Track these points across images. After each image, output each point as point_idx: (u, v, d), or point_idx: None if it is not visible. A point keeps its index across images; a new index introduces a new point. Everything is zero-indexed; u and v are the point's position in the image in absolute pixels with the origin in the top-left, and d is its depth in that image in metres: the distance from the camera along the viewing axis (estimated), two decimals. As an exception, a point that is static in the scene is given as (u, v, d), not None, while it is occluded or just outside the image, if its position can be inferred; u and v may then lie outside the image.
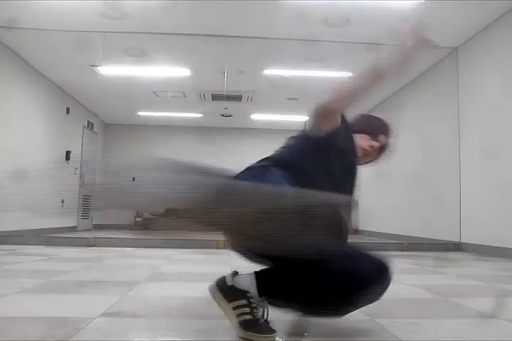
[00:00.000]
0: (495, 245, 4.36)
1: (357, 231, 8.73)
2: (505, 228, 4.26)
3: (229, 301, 1.35)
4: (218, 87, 6.75)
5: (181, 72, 6.39)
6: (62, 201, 7.40)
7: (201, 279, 2.54)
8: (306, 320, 1.50)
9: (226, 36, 5.10)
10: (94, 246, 4.69)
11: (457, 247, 4.97)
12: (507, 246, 4.17)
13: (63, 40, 5.29)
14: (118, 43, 5.41)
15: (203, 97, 7.61)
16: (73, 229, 7.72)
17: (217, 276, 1.41)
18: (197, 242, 4.94)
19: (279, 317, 1.60)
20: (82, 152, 8.07)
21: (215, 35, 5.06)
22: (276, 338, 1.29)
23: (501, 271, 3.31)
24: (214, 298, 1.40)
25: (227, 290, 1.37)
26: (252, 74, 6.44)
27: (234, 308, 1.34)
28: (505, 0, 4.21)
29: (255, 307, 1.33)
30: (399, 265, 3.57)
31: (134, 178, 1.42)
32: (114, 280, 2.38)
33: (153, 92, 7.34)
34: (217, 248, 4.71)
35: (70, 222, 7.69)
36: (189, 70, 6.33)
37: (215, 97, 7.54)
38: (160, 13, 4.59)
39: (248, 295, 1.34)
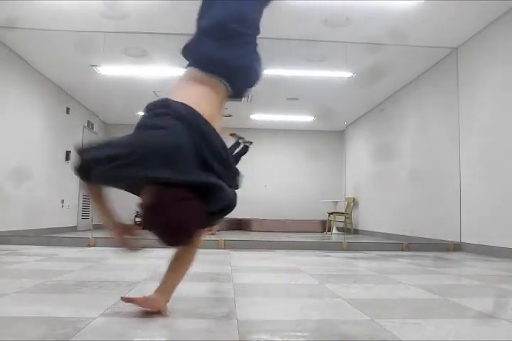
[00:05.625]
0: (495, 245, 4.36)
1: (356, 231, 8.74)
2: (505, 228, 4.26)
3: None
4: (218, 87, 6.75)
5: (181, 72, 6.39)
6: (62, 201, 7.41)
7: (201, 279, 2.54)
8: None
9: (226, 36, 5.10)
10: (94, 246, 4.69)
11: (457, 247, 4.97)
12: (507, 246, 4.17)
13: (63, 40, 5.29)
14: (118, 43, 5.41)
15: (203, 97, 7.61)
16: (73, 229, 7.72)
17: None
18: (197, 242, 4.92)
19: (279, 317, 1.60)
20: (82, 152, 8.06)
21: (215, 35, 5.06)
22: None
23: (501, 271, 3.31)
24: None
25: None
26: (252, 74, 6.43)
27: None
28: (506, 0, 4.22)
29: None
30: (399, 265, 3.57)
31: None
32: (114, 280, 2.38)
33: (153, 92, 7.34)
34: (217, 248, 4.71)
35: (70, 221, 7.70)
36: (189, 70, 6.33)
37: (215, 97, 7.54)
38: (160, 13, 4.59)
39: None
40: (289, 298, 2.02)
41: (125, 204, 9.40)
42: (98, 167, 1.40)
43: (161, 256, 3.76)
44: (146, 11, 4.56)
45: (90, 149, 1.48)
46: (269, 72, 6.29)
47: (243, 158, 7.43)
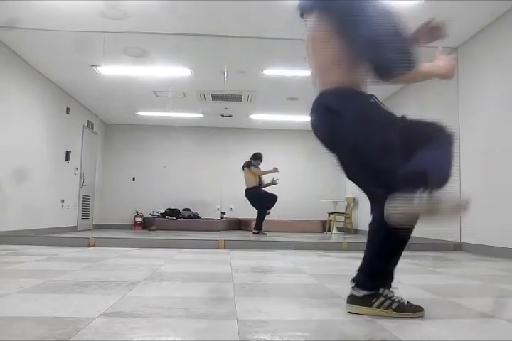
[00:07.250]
0: (495, 245, 4.36)
1: (356, 231, 8.74)
2: (505, 228, 4.26)
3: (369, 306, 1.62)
4: (218, 87, 6.75)
5: (181, 72, 6.39)
6: (62, 201, 7.41)
7: (201, 279, 2.54)
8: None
9: (226, 36, 5.10)
10: (94, 246, 4.69)
11: (457, 247, 4.97)
12: (507, 246, 4.17)
13: (63, 40, 5.29)
14: (118, 43, 5.41)
15: (203, 97, 7.61)
16: (73, 229, 7.72)
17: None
18: (197, 242, 4.94)
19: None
20: (82, 152, 8.07)
21: (215, 35, 5.06)
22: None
23: (501, 271, 3.31)
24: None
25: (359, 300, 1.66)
26: (252, 74, 6.44)
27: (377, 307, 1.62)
28: (506, 0, 4.22)
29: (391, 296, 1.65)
30: (399, 265, 3.56)
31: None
32: (114, 280, 2.38)
33: (153, 92, 7.34)
34: (218, 248, 4.72)
35: (70, 221, 7.70)
36: (189, 70, 6.33)
37: (215, 97, 7.54)
38: (160, 13, 4.59)
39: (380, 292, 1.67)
40: (289, 298, 2.01)
41: (125, 204, 9.42)
42: None
43: (161, 256, 3.76)
44: (146, 11, 4.56)
45: None
46: (269, 72, 6.30)
47: (242, 158, 7.47)
